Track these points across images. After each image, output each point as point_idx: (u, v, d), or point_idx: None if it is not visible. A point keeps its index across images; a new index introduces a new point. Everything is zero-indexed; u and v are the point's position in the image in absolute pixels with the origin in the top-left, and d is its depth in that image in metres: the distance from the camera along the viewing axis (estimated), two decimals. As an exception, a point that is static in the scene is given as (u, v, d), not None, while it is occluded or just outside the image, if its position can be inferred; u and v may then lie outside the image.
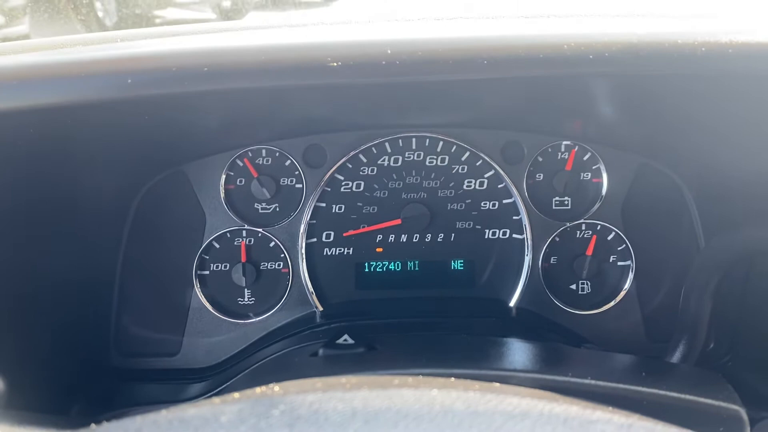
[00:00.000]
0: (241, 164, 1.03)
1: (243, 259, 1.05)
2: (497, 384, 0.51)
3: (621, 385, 0.61)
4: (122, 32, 0.77)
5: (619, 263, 1.06)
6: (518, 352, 0.84)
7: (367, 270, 1.08)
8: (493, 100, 0.84)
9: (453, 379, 0.52)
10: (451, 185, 1.06)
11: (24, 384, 0.72)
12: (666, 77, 0.65)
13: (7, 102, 0.52)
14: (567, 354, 0.82)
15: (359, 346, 0.73)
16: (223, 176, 1.03)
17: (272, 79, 0.55)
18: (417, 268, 1.08)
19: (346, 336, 0.74)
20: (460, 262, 1.08)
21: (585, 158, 1.05)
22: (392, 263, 1.07)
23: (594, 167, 1.05)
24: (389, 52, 0.54)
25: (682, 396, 0.59)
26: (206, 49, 0.56)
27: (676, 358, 0.85)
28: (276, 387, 0.49)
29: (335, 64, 0.53)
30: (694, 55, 0.61)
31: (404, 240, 1.07)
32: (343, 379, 0.52)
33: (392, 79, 0.56)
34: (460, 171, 1.06)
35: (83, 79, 0.52)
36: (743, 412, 0.60)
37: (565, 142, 1.04)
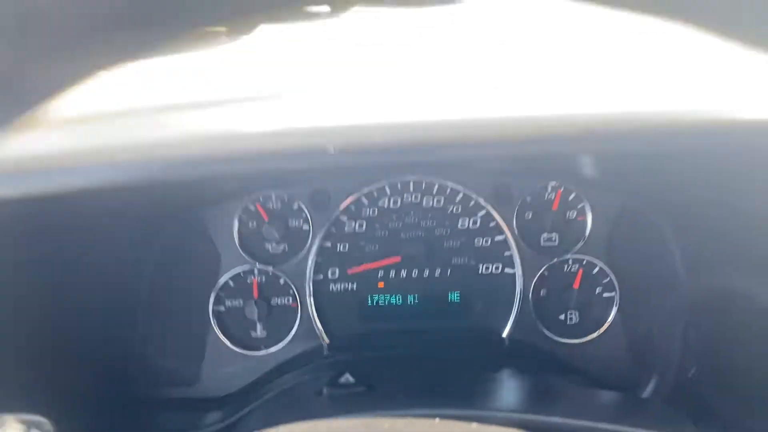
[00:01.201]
0: (252, 209, 1.12)
1: (255, 295, 1.13)
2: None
3: (587, 423, 0.69)
4: (142, 102, 0.84)
5: (604, 295, 1.14)
6: (503, 390, 0.93)
7: (370, 304, 1.16)
8: (482, 162, 0.92)
9: (437, 420, 0.61)
10: (446, 224, 1.14)
11: (63, 419, 0.81)
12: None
13: (37, 187, 0.62)
14: (549, 390, 0.90)
15: (359, 386, 0.81)
16: (237, 221, 1.11)
17: (278, 163, 0.64)
18: (417, 302, 1.16)
19: (347, 375, 0.83)
20: (457, 295, 1.16)
21: (570, 198, 1.13)
22: (393, 297, 1.16)
23: (579, 206, 1.13)
24: (382, 139, 0.63)
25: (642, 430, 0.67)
26: (223, 134, 0.65)
27: (650, 388, 0.93)
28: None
29: (333, 150, 0.62)
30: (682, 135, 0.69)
31: (404, 275, 1.15)
32: (345, 423, 0.61)
33: (388, 159, 0.65)
34: (454, 211, 1.14)
35: (111, 168, 0.62)
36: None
37: (551, 184, 1.12)
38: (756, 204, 0.86)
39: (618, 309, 1.13)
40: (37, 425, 0.63)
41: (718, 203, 0.93)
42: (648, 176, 1.02)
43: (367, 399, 0.79)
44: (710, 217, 0.98)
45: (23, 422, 0.63)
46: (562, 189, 1.12)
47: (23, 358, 0.78)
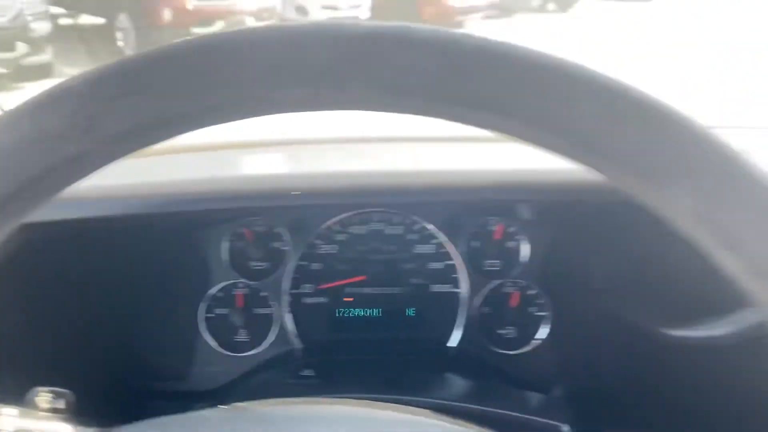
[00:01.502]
0: (241, 231, 1.32)
1: (239, 305, 1.33)
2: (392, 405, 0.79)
3: (498, 411, 0.88)
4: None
5: (537, 313, 1.34)
6: (444, 386, 1.13)
7: (338, 315, 1.36)
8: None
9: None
10: (405, 249, 1.34)
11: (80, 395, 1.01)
12: None
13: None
14: (480, 388, 1.10)
15: (317, 378, 1.01)
16: (227, 242, 1.31)
17: (252, 203, 0.86)
18: (378, 315, 1.36)
19: (307, 370, 1.03)
20: (413, 310, 1.36)
21: (510, 230, 1.33)
22: (358, 310, 1.35)
23: (517, 237, 1.33)
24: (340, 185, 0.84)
25: (517, 414, 0.87)
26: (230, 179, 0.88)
27: (565, 390, 1.12)
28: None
29: (298, 193, 0.83)
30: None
31: (368, 292, 1.35)
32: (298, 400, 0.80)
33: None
34: (412, 238, 1.34)
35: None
36: (567, 429, 0.88)
37: (495, 218, 1.33)
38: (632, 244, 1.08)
39: (549, 326, 1.33)
40: (62, 395, 0.83)
41: (619, 239, 1.13)
42: (566, 218, 1.23)
43: (320, 387, 0.99)
44: (616, 250, 1.19)
45: (51, 392, 0.83)
46: (503, 223, 1.33)
47: (52, 345, 0.98)
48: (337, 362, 1.23)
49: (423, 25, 0.44)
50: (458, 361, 1.31)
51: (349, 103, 0.44)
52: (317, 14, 11.71)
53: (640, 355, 1.08)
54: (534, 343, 1.33)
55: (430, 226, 1.33)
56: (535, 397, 1.08)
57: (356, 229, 1.34)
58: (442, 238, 1.33)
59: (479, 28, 14.28)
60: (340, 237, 1.34)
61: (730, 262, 0.44)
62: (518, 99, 0.41)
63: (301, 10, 11.58)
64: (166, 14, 10.38)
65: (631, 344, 1.11)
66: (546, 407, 1.06)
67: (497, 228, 1.33)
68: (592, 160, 0.44)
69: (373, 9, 12.65)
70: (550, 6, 16.39)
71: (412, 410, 0.76)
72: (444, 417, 0.76)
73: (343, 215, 1.32)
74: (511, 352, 1.33)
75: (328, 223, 1.32)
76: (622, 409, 1.13)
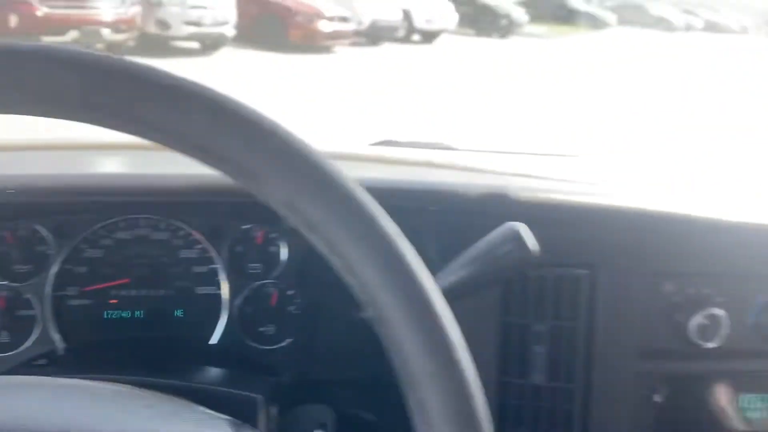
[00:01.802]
0: (2, 234, 1.35)
1: (1, 307, 1.36)
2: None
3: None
4: None
5: (295, 312, 1.47)
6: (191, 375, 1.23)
7: (106, 317, 1.42)
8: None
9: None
10: (170, 254, 1.43)
11: None
12: None
13: None
14: (212, 374, 1.21)
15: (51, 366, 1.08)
16: (-14, 244, 1.34)
17: None
18: (144, 316, 1.43)
19: (42, 360, 1.09)
20: (181, 311, 1.45)
21: (271, 236, 1.46)
22: (124, 312, 1.42)
23: (277, 242, 1.46)
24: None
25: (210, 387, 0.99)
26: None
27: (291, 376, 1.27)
28: None
29: (12, 191, 0.91)
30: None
31: (134, 294, 1.43)
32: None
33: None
34: (177, 243, 1.43)
35: None
36: (260, 399, 1.01)
37: (257, 224, 1.45)
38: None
39: (304, 323, 1.47)
40: None
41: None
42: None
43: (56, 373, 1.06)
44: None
45: None
46: (264, 230, 1.46)
47: None
48: (96, 357, 1.30)
49: (68, 45, 0.56)
50: (217, 357, 1.41)
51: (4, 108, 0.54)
52: (179, 29, 11.53)
53: (354, 339, 1.24)
54: (289, 339, 1.46)
55: (195, 232, 1.43)
56: (266, 380, 1.21)
57: (122, 234, 1.41)
58: (206, 243, 1.43)
59: (346, 53, 14.66)
60: (106, 241, 1.40)
61: (316, 244, 0.59)
62: (143, 109, 0.54)
63: (163, 24, 11.36)
64: (13, 20, 9.79)
65: (348, 331, 1.27)
66: (270, 387, 1.19)
67: (259, 233, 1.46)
68: (214, 164, 0.57)
69: (239, 28, 12.65)
70: (415, 37, 17.17)
71: (120, 385, 0.86)
72: (147, 390, 0.86)
73: (109, 221, 1.39)
74: (269, 347, 1.45)
75: (94, 227, 1.39)
76: (345, 388, 1.28)
